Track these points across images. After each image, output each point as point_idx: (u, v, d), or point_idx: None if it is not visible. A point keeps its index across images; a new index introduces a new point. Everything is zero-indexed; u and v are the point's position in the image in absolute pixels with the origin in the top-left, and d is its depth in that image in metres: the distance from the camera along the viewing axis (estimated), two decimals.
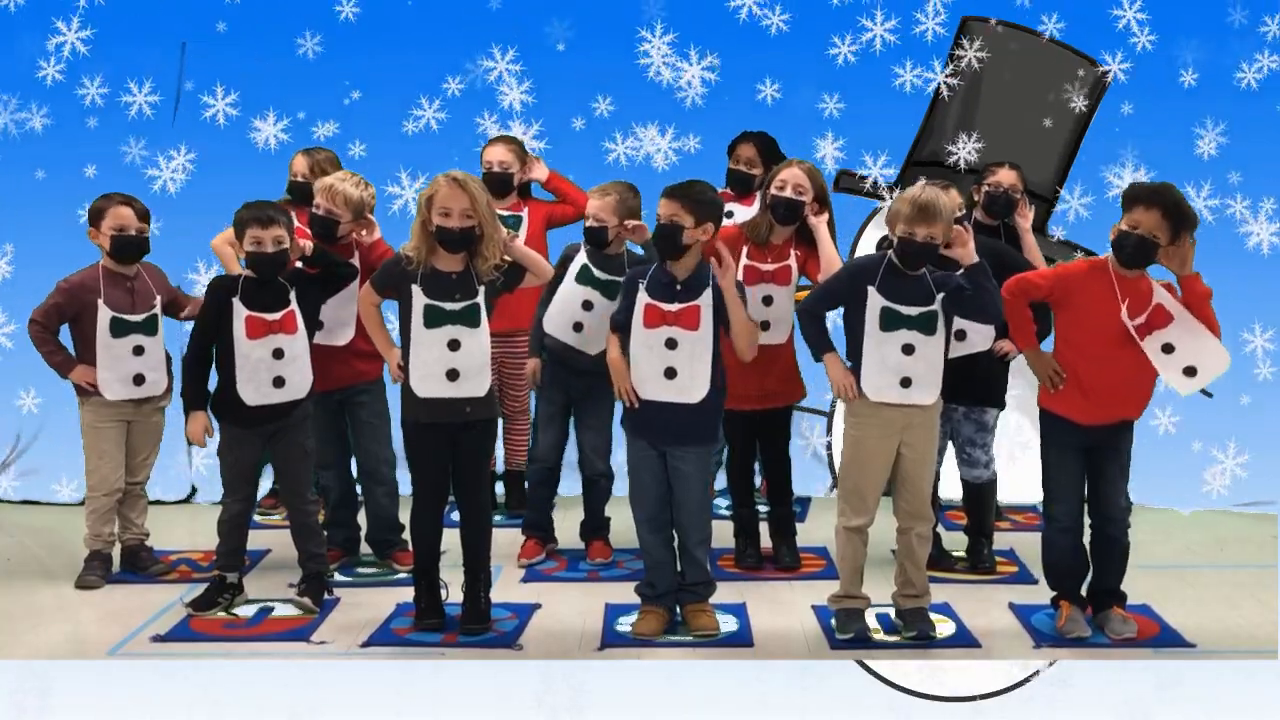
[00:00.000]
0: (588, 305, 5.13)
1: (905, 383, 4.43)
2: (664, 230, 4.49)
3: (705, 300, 4.49)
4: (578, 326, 5.15)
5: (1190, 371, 4.40)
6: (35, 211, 6.17)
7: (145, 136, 6.22)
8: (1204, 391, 6.24)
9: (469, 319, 4.48)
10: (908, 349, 4.42)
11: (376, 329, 4.70)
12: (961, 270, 4.42)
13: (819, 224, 5.08)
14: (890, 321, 4.42)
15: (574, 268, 5.16)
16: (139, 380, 5.13)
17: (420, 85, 6.28)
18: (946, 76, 6.28)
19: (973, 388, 5.03)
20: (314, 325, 4.88)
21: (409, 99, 6.27)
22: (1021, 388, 5.51)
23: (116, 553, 5.29)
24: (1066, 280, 4.50)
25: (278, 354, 4.74)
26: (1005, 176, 5.42)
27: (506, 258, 4.54)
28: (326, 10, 6.34)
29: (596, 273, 5.13)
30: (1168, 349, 4.39)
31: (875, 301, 4.43)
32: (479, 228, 4.43)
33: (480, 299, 4.50)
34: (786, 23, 6.20)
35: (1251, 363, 6.00)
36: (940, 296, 4.45)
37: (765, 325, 5.03)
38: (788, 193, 5.05)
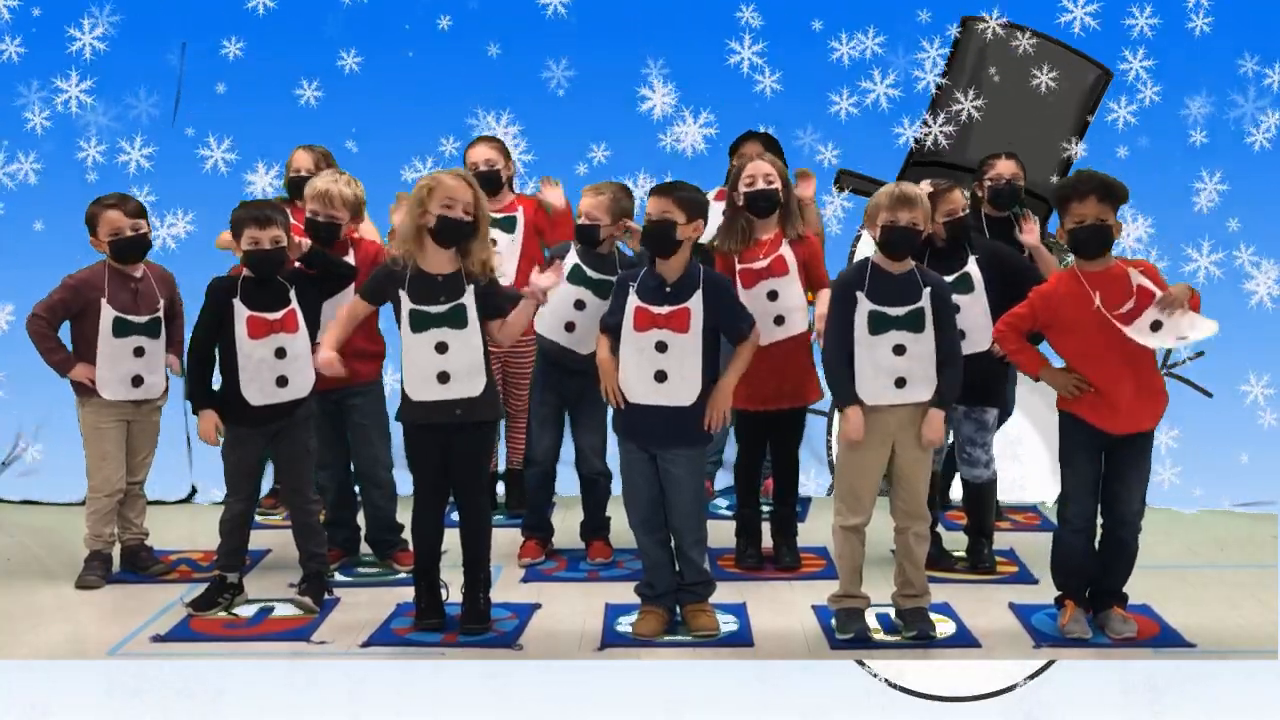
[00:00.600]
0: (580, 305, 5.11)
1: (900, 383, 4.43)
2: (657, 228, 4.47)
3: (695, 303, 4.48)
4: (570, 326, 5.14)
5: (1182, 337, 4.39)
6: (34, 261, 6.11)
7: (148, 184, 6.25)
8: (1204, 391, 6.28)
9: (455, 320, 4.46)
10: (899, 349, 4.42)
11: (339, 326, 4.61)
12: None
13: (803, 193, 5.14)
14: (878, 324, 4.42)
15: (565, 267, 5.15)
16: (137, 382, 5.13)
17: (419, 137, 6.32)
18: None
19: (973, 388, 5.02)
20: (314, 325, 4.87)
21: (408, 151, 6.30)
22: (1023, 393, 5.53)
23: (116, 552, 5.29)
24: (1046, 300, 4.49)
25: (280, 353, 4.74)
26: (1005, 167, 5.48)
27: (494, 266, 4.55)
28: (329, 59, 6.40)
29: (589, 272, 5.12)
30: (1156, 326, 4.36)
31: (863, 306, 4.44)
32: (476, 226, 4.44)
33: (467, 299, 4.48)
34: (779, 83, 6.30)
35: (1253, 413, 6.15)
36: (927, 291, 4.45)
37: (779, 320, 5.04)
38: (759, 185, 5.06)
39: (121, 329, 5.08)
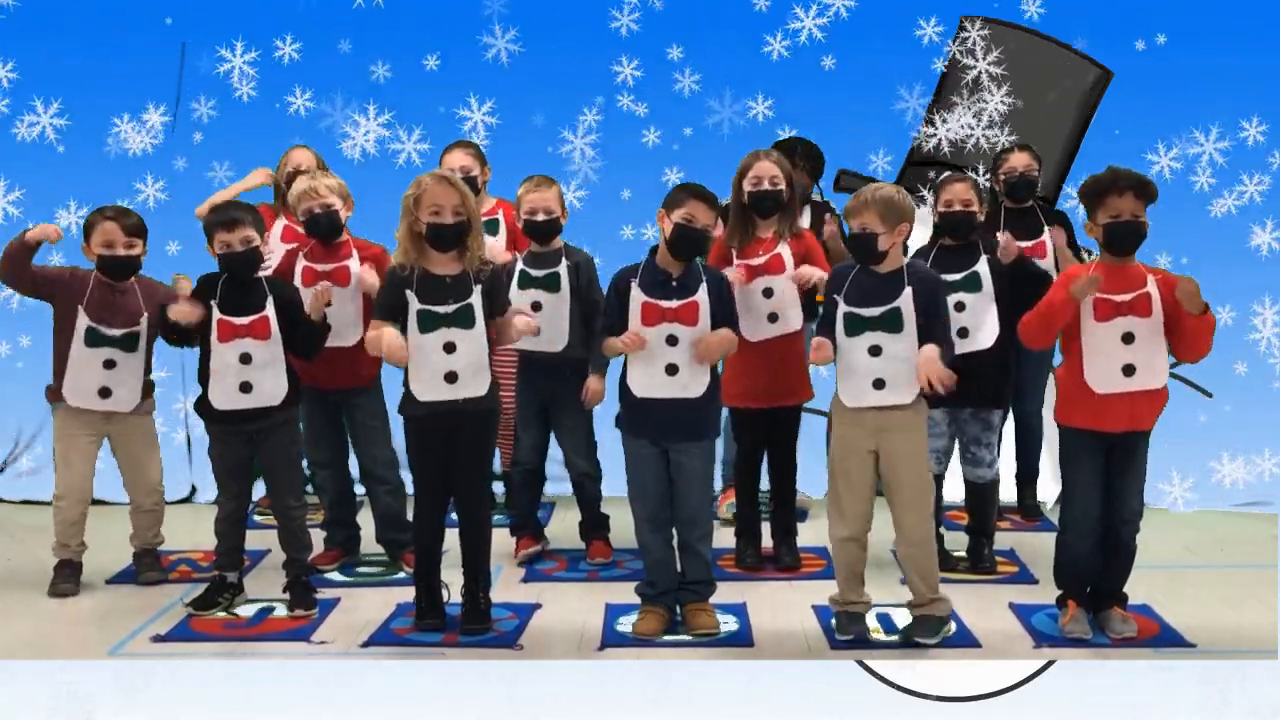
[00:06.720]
0: (537, 306, 5.13)
1: (878, 384, 4.38)
2: (700, 235, 4.52)
3: (702, 295, 4.51)
4: (535, 330, 5.14)
5: (1129, 370, 4.35)
6: None
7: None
8: (1203, 391, 6.29)
9: (463, 321, 4.47)
10: (874, 350, 4.37)
11: (394, 356, 4.47)
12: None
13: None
14: (853, 326, 4.39)
15: (514, 280, 5.17)
16: (104, 393, 5.00)
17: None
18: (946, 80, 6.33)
19: (980, 389, 5.00)
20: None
21: None
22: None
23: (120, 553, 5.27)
24: (1068, 279, 4.46)
25: (245, 359, 4.70)
26: (1018, 160, 5.61)
27: (488, 259, 4.58)
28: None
29: (534, 273, 5.16)
30: (1128, 338, 4.35)
31: (840, 309, 4.42)
32: (469, 223, 4.46)
33: (474, 299, 4.49)
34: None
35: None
36: (908, 290, 4.38)
37: (773, 317, 5.05)
38: (765, 186, 5.06)
39: (94, 339, 4.97)
